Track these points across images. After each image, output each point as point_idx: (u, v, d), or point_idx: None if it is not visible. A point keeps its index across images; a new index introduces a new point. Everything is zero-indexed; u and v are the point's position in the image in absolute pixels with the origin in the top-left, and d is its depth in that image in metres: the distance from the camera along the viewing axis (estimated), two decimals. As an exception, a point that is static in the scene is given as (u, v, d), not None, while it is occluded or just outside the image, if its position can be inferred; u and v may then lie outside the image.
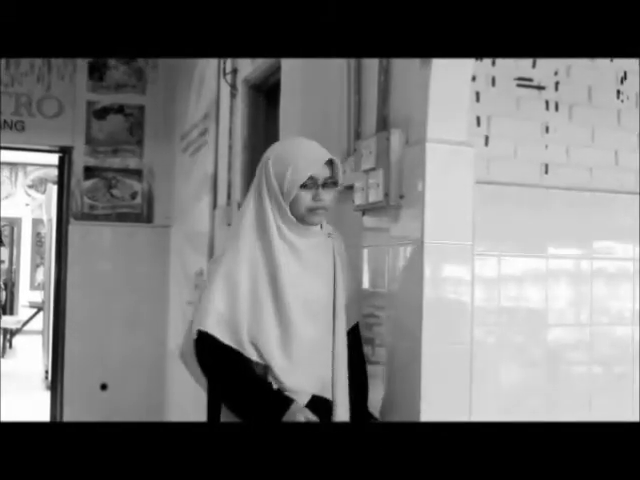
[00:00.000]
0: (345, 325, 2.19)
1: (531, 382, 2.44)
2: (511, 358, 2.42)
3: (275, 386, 2.05)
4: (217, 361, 2.07)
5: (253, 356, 2.06)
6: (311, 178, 2.09)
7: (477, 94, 2.42)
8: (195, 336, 2.06)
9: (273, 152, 2.16)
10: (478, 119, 2.43)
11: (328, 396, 2.12)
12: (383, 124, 2.39)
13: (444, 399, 2.15)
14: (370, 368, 2.44)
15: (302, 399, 2.07)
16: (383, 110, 2.40)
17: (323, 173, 2.11)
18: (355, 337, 2.26)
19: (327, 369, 2.13)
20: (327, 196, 2.12)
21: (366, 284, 2.50)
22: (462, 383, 2.18)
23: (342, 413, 2.13)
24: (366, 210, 2.45)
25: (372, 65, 2.49)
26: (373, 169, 2.33)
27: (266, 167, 2.12)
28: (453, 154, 2.20)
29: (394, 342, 2.30)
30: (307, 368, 2.09)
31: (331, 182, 2.13)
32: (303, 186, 2.08)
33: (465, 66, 2.24)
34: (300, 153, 2.12)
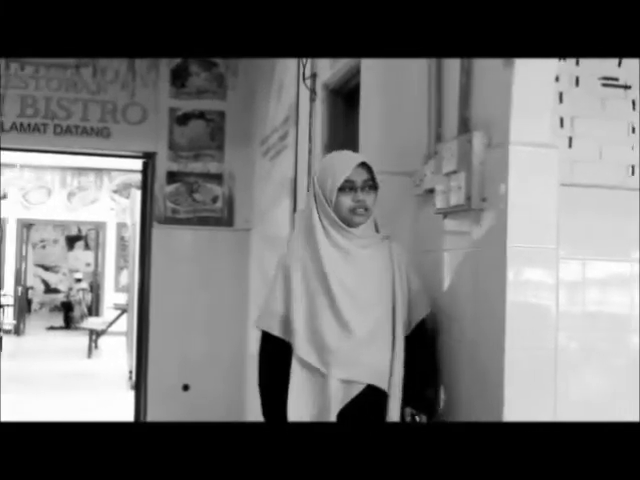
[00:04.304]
0: (402, 323, 2.32)
1: (615, 389, 2.39)
2: (594, 363, 2.37)
3: (337, 376, 2.22)
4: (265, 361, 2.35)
5: (307, 355, 2.24)
6: (348, 181, 2.26)
7: (560, 94, 2.38)
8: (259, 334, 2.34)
9: (318, 166, 2.39)
10: (561, 120, 2.39)
11: (382, 386, 2.26)
12: (464, 126, 2.37)
13: (527, 405, 2.12)
14: (450, 372, 2.43)
15: (356, 389, 2.24)
16: (464, 112, 2.39)
17: (360, 176, 2.27)
18: (421, 332, 2.38)
19: (382, 362, 2.27)
20: (367, 198, 2.28)
21: (446, 288, 2.49)
22: (546, 389, 2.14)
23: (394, 407, 2.27)
24: (447, 213, 2.43)
25: (453, 66, 2.47)
26: (455, 172, 2.31)
27: (313, 180, 2.34)
28: (536, 156, 2.17)
29: (476, 347, 2.28)
30: (361, 360, 2.24)
31: (370, 185, 2.29)
32: (342, 190, 2.25)
33: (548, 66, 2.20)
34: (336, 162, 2.33)
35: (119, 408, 6.90)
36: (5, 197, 14.04)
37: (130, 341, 8.75)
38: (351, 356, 2.22)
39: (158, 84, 5.88)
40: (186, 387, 5.90)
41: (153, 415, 5.83)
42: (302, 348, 2.24)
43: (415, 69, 2.73)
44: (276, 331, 2.28)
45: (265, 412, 2.31)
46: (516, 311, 2.11)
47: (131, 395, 6.45)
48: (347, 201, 2.26)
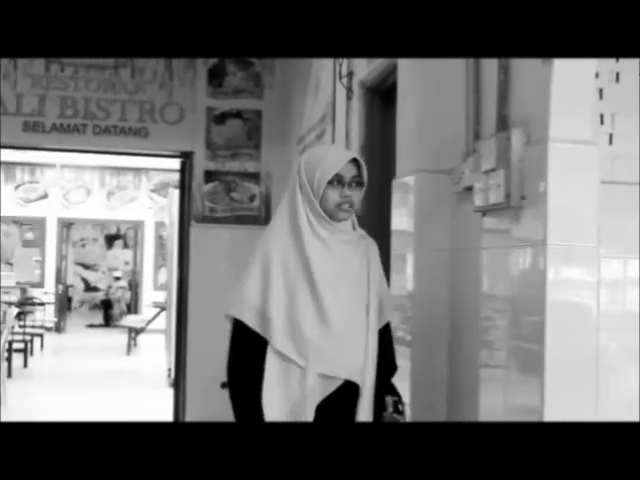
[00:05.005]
0: (377, 321, 2.29)
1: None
2: (635, 363, 2.34)
3: (316, 370, 2.16)
4: (238, 350, 2.28)
5: (284, 347, 2.17)
6: (337, 176, 2.21)
7: (600, 91, 2.36)
8: (230, 321, 2.27)
9: (305, 156, 2.32)
10: (601, 117, 2.36)
11: (359, 382, 2.22)
12: (503, 124, 2.35)
13: (568, 405, 2.10)
14: (488, 372, 2.42)
15: (334, 384, 2.18)
16: (503, 109, 2.37)
17: (349, 172, 2.23)
18: (386, 336, 2.34)
19: (358, 358, 2.23)
20: (353, 194, 2.24)
21: (485, 287, 2.47)
22: (587, 390, 2.12)
23: (366, 404, 2.22)
24: (486, 211, 2.41)
25: (491, 64, 2.46)
26: (493, 170, 2.30)
27: (299, 169, 2.27)
28: (576, 153, 2.14)
29: (515, 346, 2.26)
30: (340, 355, 2.19)
31: (357, 182, 2.25)
32: (330, 183, 2.21)
33: (588, 63, 2.18)
34: (327, 154, 2.29)
35: (158, 405, 6.97)
36: (46, 197, 14.27)
37: (169, 339, 8.82)
38: (330, 350, 2.17)
39: (195, 84, 5.93)
40: (224, 385, 5.91)
41: (192, 412, 5.87)
42: (279, 340, 2.16)
43: (452, 66, 2.71)
44: (250, 322, 2.19)
45: (236, 406, 2.25)
46: (557, 310, 2.09)
47: (170, 392, 6.52)
48: (334, 196, 2.22)
